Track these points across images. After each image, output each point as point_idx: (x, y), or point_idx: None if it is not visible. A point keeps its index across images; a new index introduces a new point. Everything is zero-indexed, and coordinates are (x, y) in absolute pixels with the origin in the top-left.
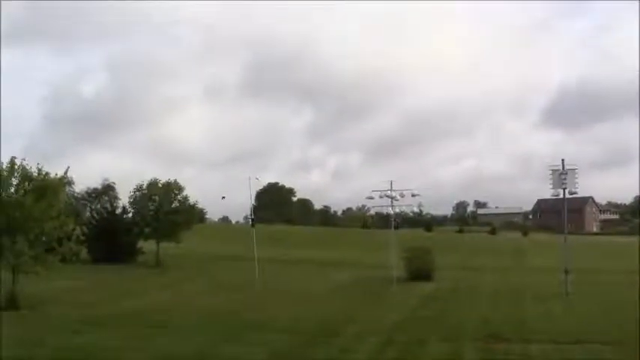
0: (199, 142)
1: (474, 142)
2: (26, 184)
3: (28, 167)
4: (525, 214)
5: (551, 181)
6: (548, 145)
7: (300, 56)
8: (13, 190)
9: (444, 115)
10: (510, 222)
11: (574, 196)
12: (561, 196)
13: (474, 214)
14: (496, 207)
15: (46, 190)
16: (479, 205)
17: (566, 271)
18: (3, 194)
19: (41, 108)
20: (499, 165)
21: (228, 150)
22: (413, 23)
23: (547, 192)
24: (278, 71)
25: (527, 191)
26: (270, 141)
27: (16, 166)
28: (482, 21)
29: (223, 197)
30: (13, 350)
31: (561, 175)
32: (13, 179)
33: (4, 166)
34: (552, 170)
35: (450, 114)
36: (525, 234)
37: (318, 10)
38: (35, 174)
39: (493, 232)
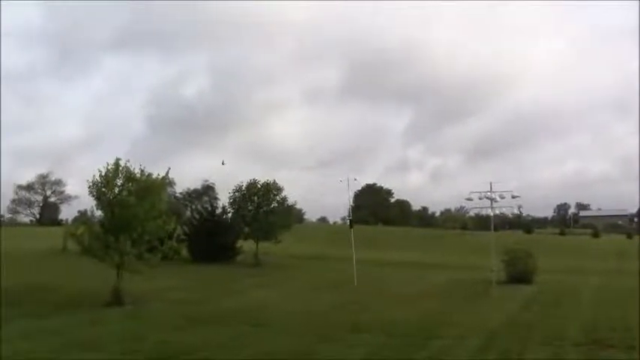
0: (298, 143)
1: (577, 142)
2: (130, 184)
3: (131, 168)
4: (630, 217)
5: None
6: None
7: (400, 58)
8: (117, 190)
9: (545, 116)
10: (614, 224)
11: None
12: None
13: (576, 217)
14: (599, 209)
15: (148, 190)
16: (581, 207)
17: None
18: (108, 194)
19: (144, 111)
20: (602, 166)
21: (326, 151)
22: (514, 23)
23: None
24: (376, 73)
25: (631, 193)
26: (369, 142)
27: (120, 167)
28: (587, 19)
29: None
30: (117, 344)
31: None
32: (117, 180)
33: (109, 167)
34: None
35: (551, 114)
36: (630, 237)
37: (417, 11)
38: (138, 175)
39: (596, 234)
